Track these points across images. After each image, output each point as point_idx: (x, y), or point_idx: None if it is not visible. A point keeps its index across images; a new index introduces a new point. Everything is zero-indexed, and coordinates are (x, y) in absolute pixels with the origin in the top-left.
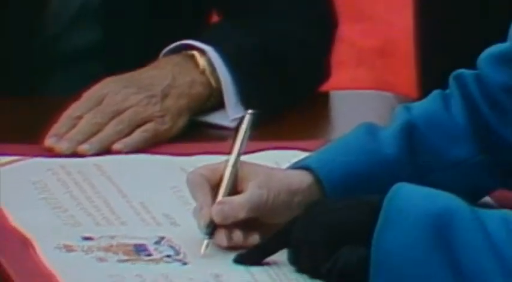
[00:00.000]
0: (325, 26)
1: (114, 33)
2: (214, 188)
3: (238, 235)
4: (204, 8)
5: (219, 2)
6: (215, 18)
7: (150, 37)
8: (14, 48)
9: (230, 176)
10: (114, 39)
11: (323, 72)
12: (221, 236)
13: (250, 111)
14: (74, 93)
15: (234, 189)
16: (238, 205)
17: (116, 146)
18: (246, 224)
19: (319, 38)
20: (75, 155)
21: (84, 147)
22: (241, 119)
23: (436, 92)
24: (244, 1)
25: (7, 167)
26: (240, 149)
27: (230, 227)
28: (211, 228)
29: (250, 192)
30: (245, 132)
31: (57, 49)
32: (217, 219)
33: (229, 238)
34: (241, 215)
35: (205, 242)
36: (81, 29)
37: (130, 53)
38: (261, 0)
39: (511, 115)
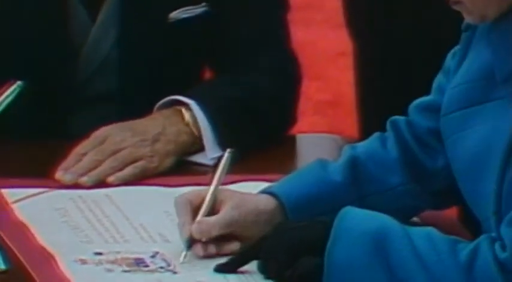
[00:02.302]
0: (292, 81)
1: (127, 82)
2: (196, 210)
3: (211, 248)
4: (198, 65)
5: (210, 61)
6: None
7: (155, 86)
8: (50, 90)
9: (210, 200)
10: (126, 87)
11: (290, 119)
12: (198, 248)
13: (229, 150)
14: (91, 129)
15: (215, 210)
16: (212, 224)
17: (110, 179)
18: (225, 236)
19: (287, 90)
20: (90, 187)
21: (83, 179)
22: (221, 156)
23: (375, 134)
24: (229, 61)
25: (36, 197)
26: (219, 179)
27: (206, 240)
28: (190, 242)
29: (224, 213)
30: (224, 166)
31: (82, 92)
32: (195, 235)
33: (205, 250)
34: (215, 232)
35: (183, 253)
36: (103, 76)
37: (139, 98)
38: (243, 60)
39: (435, 151)
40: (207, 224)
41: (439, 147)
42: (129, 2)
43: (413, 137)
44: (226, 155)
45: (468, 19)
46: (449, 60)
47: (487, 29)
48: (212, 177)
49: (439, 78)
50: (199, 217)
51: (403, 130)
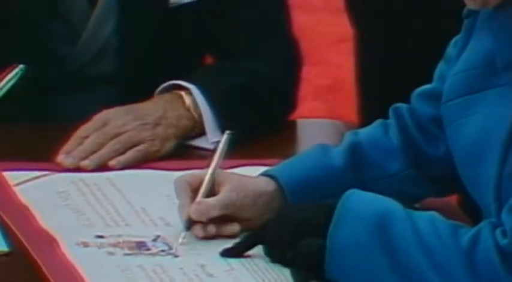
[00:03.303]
0: (293, 66)
1: (127, 66)
2: (195, 191)
3: (211, 228)
4: (198, 51)
5: (210, 47)
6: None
7: (155, 70)
8: (50, 73)
9: (208, 182)
10: (126, 71)
11: (291, 104)
12: (197, 229)
13: (227, 131)
14: (91, 112)
15: (213, 192)
16: (211, 205)
17: (111, 162)
18: (224, 218)
19: (288, 75)
20: (92, 170)
21: (85, 163)
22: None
23: (378, 121)
24: (230, 47)
25: (38, 180)
26: (218, 161)
27: (205, 223)
28: (189, 223)
29: (222, 195)
30: (223, 148)
31: (83, 75)
32: (194, 216)
33: (204, 230)
34: (214, 213)
35: (183, 234)
36: (103, 60)
37: (139, 81)
38: (244, 46)
39: (436, 139)
40: (205, 205)
41: (440, 134)
42: None
43: (415, 124)
44: (224, 136)
45: (470, 4)
46: (451, 48)
47: (488, 16)
48: (211, 160)
49: (440, 66)
50: (198, 198)
51: (405, 117)
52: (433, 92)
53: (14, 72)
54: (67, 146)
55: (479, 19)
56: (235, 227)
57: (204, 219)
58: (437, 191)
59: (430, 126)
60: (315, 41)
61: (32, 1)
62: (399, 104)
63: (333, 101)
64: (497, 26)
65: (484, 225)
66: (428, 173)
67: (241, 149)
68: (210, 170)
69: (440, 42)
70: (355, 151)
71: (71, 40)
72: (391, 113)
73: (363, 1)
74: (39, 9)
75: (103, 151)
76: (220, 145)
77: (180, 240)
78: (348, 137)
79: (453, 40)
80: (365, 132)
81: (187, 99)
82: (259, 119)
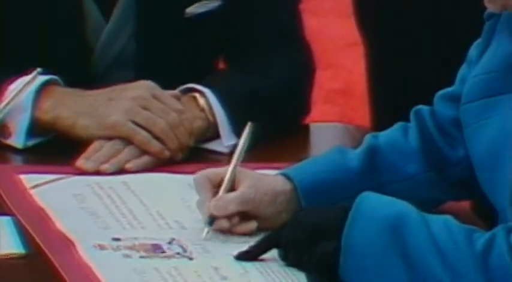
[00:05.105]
0: (306, 71)
1: (143, 75)
2: (216, 187)
3: (235, 221)
4: (213, 55)
5: (223, 51)
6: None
7: (170, 76)
8: (67, 82)
9: (230, 177)
10: (143, 78)
11: (304, 108)
12: (221, 223)
13: (250, 123)
14: None
15: (232, 189)
16: (229, 200)
17: (128, 165)
18: (242, 217)
19: (301, 80)
20: (108, 174)
21: (104, 167)
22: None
23: (398, 124)
24: (243, 51)
25: (54, 183)
26: (239, 156)
27: (228, 216)
28: (212, 219)
29: (241, 191)
30: (245, 140)
31: (100, 83)
32: (213, 211)
33: (228, 223)
34: (232, 208)
35: (206, 229)
36: (119, 70)
37: None
38: (257, 50)
39: (456, 141)
40: (224, 200)
41: (461, 137)
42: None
43: (436, 126)
44: (247, 128)
45: (490, 7)
46: (472, 51)
47: (509, 19)
48: (233, 154)
49: (462, 69)
50: (220, 194)
51: (426, 119)
52: (454, 94)
53: (31, 75)
54: (87, 152)
55: (500, 22)
56: (252, 224)
57: (223, 214)
58: (456, 194)
59: (451, 128)
60: (325, 45)
61: (50, 12)
62: (421, 106)
63: (344, 105)
64: None
65: (498, 230)
66: (446, 176)
67: (254, 153)
68: (231, 166)
69: (450, 42)
70: (372, 153)
71: (85, 51)
72: (412, 115)
73: (371, 5)
74: (54, 21)
75: (122, 155)
76: (243, 137)
77: (203, 235)
78: (367, 139)
79: (475, 43)
80: (384, 134)
81: (201, 101)
82: (273, 122)
